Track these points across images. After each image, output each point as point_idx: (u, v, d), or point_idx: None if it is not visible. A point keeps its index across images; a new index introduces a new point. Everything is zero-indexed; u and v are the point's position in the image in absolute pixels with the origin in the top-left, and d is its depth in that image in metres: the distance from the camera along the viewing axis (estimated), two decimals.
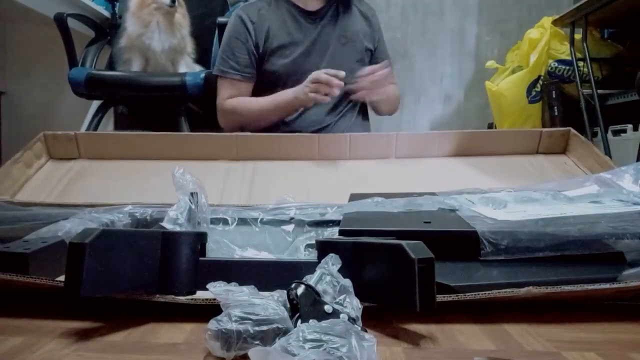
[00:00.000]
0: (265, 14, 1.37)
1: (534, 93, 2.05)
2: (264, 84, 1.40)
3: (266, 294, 0.42)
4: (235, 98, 1.38)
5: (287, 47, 1.36)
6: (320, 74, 1.19)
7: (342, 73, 1.18)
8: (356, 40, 1.43)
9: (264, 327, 0.38)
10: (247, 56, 1.36)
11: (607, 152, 1.73)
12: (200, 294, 0.50)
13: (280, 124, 1.37)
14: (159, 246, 0.50)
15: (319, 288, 0.42)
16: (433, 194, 0.77)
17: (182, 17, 1.89)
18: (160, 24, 1.82)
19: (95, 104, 1.98)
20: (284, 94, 1.31)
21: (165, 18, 1.82)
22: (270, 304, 0.40)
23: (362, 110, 1.50)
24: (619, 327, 0.48)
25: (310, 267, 0.46)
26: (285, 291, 0.42)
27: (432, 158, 1.11)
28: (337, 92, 1.19)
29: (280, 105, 1.31)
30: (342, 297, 0.42)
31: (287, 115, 1.34)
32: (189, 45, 1.94)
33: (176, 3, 1.80)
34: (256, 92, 1.42)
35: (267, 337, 0.38)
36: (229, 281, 0.43)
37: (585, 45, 1.89)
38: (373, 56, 1.49)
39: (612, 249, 0.54)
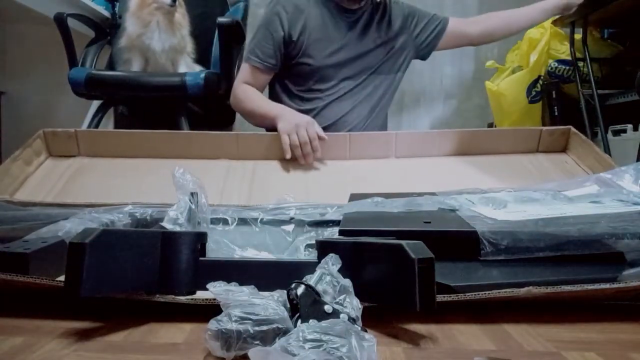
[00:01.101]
0: (303, 7, 1.37)
1: (534, 93, 2.05)
2: (298, 76, 1.41)
3: (266, 294, 0.42)
4: (248, 86, 1.39)
5: (323, 42, 1.37)
6: (297, 137, 1.09)
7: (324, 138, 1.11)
8: (393, 44, 1.44)
9: (264, 327, 0.38)
10: (271, 47, 1.36)
11: (607, 152, 1.73)
12: (200, 294, 0.50)
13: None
14: (159, 246, 0.50)
15: (319, 288, 0.42)
16: (433, 194, 0.77)
17: (181, 16, 1.88)
18: (160, 24, 1.81)
19: (95, 104, 1.97)
20: (275, 109, 1.28)
21: (165, 18, 1.82)
22: (270, 304, 0.40)
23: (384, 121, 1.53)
24: (619, 327, 0.48)
25: (310, 267, 0.46)
26: (285, 291, 0.42)
27: (432, 157, 1.11)
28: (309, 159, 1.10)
29: (267, 118, 1.27)
30: (342, 297, 0.42)
31: (270, 126, 1.30)
32: (189, 45, 1.94)
33: (177, 3, 1.80)
34: (288, 85, 1.43)
35: (267, 337, 0.38)
36: (229, 281, 0.43)
37: (585, 45, 1.89)
38: (423, 33, 1.49)
39: (612, 249, 0.54)
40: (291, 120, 1.14)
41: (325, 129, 1.17)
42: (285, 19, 1.35)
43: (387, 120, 1.57)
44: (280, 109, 1.27)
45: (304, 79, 1.41)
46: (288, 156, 1.08)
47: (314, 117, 1.30)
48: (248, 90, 1.38)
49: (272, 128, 1.24)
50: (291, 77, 1.42)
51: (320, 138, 1.10)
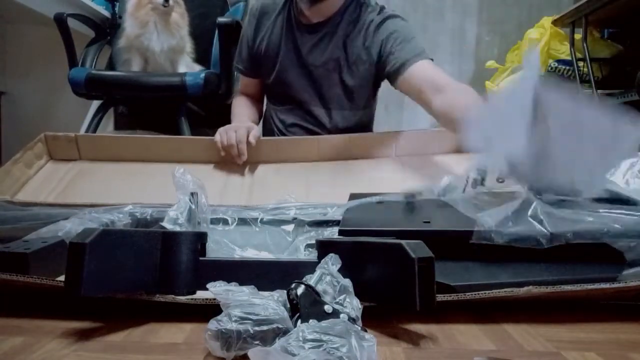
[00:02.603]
0: (271, 14, 1.30)
1: None
2: (267, 88, 1.38)
3: (266, 294, 0.42)
4: (239, 98, 1.40)
5: (274, 56, 1.28)
6: (226, 138, 1.06)
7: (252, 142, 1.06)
8: (358, 65, 1.22)
9: (264, 327, 0.38)
10: (247, 51, 1.35)
11: None
12: (200, 294, 0.50)
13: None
14: (159, 246, 0.50)
15: (319, 288, 0.42)
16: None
17: (180, 17, 1.88)
18: (157, 25, 1.81)
19: (95, 104, 1.97)
20: (232, 120, 1.27)
21: (162, 18, 1.81)
22: (270, 304, 0.40)
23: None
24: (619, 327, 0.48)
25: (310, 267, 0.46)
26: (285, 291, 0.42)
27: (432, 156, 1.11)
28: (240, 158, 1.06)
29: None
30: (342, 297, 0.42)
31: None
32: (188, 45, 1.94)
33: (170, 2, 1.79)
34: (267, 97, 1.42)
35: (267, 337, 0.38)
36: (229, 281, 0.43)
37: (585, 45, 1.88)
38: (386, 67, 1.17)
39: (612, 249, 0.54)
40: (229, 126, 1.12)
41: None
42: (254, 24, 1.31)
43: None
44: (235, 121, 1.25)
45: (268, 92, 1.39)
46: (222, 154, 1.07)
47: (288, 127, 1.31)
48: (236, 102, 1.38)
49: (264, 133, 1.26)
50: (267, 89, 1.39)
51: (248, 143, 1.06)
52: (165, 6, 1.78)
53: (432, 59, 1.15)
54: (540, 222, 0.55)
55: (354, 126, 1.30)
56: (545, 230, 0.54)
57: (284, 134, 1.33)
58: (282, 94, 1.31)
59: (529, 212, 0.57)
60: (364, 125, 1.34)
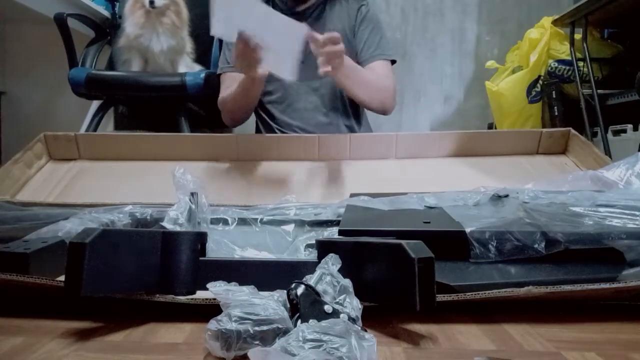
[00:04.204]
0: None
1: (534, 93, 2.05)
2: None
3: (266, 294, 0.42)
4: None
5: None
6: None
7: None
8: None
9: (264, 327, 0.38)
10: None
11: (607, 152, 1.73)
12: (200, 294, 0.50)
13: (273, 125, 1.37)
14: (159, 246, 0.50)
15: (319, 288, 0.42)
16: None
17: (178, 17, 1.87)
18: (155, 26, 1.81)
19: (95, 104, 1.97)
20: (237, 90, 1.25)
21: (156, 19, 1.80)
22: (270, 304, 0.40)
23: (355, 112, 1.44)
24: (619, 327, 0.48)
25: (310, 267, 0.46)
26: (285, 291, 0.42)
27: (432, 158, 1.11)
28: (260, 63, 1.02)
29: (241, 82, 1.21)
30: (342, 297, 0.42)
31: (254, 92, 1.25)
32: (188, 45, 1.93)
33: (156, 4, 1.76)
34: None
35: (267, 337, 0.38)
36: (229, 281, 0.43)
37: (585, 45, 1.88)
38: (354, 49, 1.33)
39: (612, 249, 0.54)
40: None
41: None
42: None
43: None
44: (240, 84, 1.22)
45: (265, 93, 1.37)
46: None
47: (283, 126, 1.34)
48: (227, 91, 1.34)
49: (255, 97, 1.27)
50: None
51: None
52: (152, 8, 1.76)
53: (393, 60, 1.36)
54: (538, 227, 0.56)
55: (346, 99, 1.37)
56: (542, 238, 0.54)
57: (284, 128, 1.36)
58: (277, 80, 1.31)
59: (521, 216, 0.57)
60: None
